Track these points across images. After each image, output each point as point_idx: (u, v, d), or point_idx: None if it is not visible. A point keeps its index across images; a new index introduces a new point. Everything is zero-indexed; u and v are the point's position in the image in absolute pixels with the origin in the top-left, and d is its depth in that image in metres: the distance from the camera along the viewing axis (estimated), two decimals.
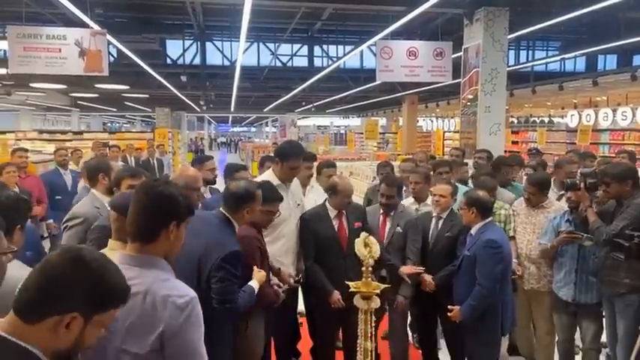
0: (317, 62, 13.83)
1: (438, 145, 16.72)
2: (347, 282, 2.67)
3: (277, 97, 20.35)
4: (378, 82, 11.80)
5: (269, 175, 3.53)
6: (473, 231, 3.34)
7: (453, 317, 3.29)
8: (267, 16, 10.69)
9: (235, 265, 2.45)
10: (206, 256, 2.43)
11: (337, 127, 38.60)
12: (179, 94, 17.27)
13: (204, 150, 33.36)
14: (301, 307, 3.89)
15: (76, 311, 1.17)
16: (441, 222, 3.63)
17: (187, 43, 12.92)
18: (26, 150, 6.42)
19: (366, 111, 27.73)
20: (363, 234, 2.76)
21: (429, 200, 4.04)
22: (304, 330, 4.07)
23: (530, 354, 3.97)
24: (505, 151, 8.12)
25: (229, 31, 12.35)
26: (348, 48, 13.01)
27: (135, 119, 38.31)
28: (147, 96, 18.68)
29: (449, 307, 3.32)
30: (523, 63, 13.74)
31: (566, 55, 13.40)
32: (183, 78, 14.00)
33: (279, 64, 14.01)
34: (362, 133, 15.44)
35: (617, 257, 2.99)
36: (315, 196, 4.00)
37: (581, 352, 3.65)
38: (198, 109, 26.51)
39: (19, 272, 1.48)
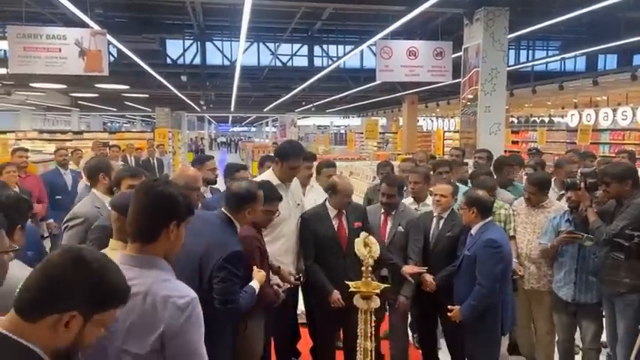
0: (317, 62, 13.84)
1: (438, 144, 16.72)
2: (347, 282, 2.67)
3: (277, 97, 20.36)
4: (378, 82, 11.81)
5: (269, 175, 3.53)
6: (473, 231, 3.34)
7: (453, 317, 3.29)
8: (267, 15, 10.69)
9: (237, 265, 2.46)
10: (207, 256, 2.43)
11: (337, 126, 38.61)
12: (179, 94, 17.28)
13: (204, 150, 33.36)
14: (301, 306, 3.89)
15: (75, 310, 1.18)
16: (441, 222, 3.63)
17: (187, 42, 12.94)
18: (26, 150, 6.42)
19: (366, 111, 27.74)
20: (363, 234, 2.77)
21: (428, 200, 4.05)
22: (304, 330, 4.07)
23: (530, 354, 3.97)
24: (505, 151, 8.12)
25: (229, 30, 12.35)
26: (348, 48, 13.01)
27: (135, 119, 38.32)
28: (147, 96, 18.69)
29: (449, 307, 3.32)
30: (523, 63, 13.74)
31: (567, 55, 13.40)
32: (184, 78, 14.01)
33: (279, 63, 14.02)
34: (362, 133, 15.45)
35: (617, 257, 2.99)
36: (314, 195, 4.00)
37: (581, 352, 3.65)
38: (199, 109, 26.52)
39: (19, 272, 1.49)
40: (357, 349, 2.66)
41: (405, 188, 4.12)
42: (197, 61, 13.26)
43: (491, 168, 4.87)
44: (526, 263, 3.76)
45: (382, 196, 3.68)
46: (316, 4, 9.34)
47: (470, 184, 4.36)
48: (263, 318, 2.97)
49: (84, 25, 7.62)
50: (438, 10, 8.00)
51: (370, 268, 2.66)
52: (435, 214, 3.68)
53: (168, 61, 13.45)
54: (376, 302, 2.61)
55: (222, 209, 2.70)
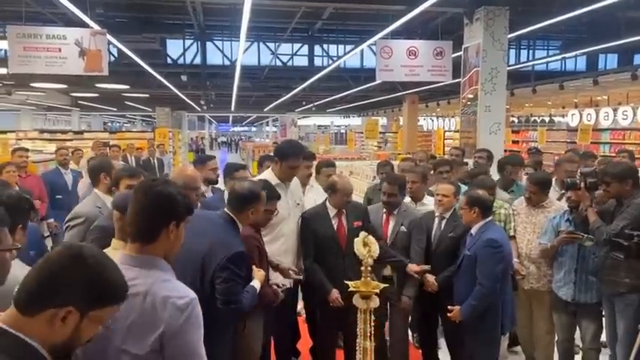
0: (317, 62, 13.84)
1: (438, 144, 16.71)
2: (346, 281, 2.67)
3: (278, 97, 20.36)
4: (378, 82, 11.81)
5: (268, 175, 3.53)
6: (473, 230, 3.34)
7: (453, 317, 3.29)
8: (267, 15, 10.69)
9: (240, 265, 2.46)
10: (210, 255, 2.43)
11: (337, 126, 38.60)
12: (179, 94, 17.28)
13: (204, 149, 33.37)
14: (301, 306, 3.89)
15: (71, 305, 1.20)
16: (444, 222, 3.63)
17: (188, 42, 12.94)
18: (26, 150, 6.43)
19: (366, 110, 27.73)
20: (362, 233, 2.76)
21: (426, 199, 4.04)
22: (304, 329, 4.07)
23: (530, 353, 3.97)
24: (505, 151, 8.12)
25: (229, 30, 12.35)
26: (348, 47, 13.01)
27: (135, 119, 38.33)
28: (147, 96, 18.69)
29: (449, 307, 3.31)
30: (524, 62, 13.74)
31: (567, 55, 13.40)
32: (184, 78, 14.01)
33: (279, 63, 14.03)
34: (362, 133, 15.44)
35: (616, 257, 2.99)
36: (314, 195, 4.00)
37: (581, 352, 3.65)
38: (199, 109, 26.52)
39: (20, 272, 1.49)
40: (357, 348, 2.65)
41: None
42: (197, 60, 13.26)
43: (496, 168, 4.87)
44: (526, 263, 3.75)
45: (383, 195, 3.68)
46: (316, 3, 9.34)
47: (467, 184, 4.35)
48: (262, 317, 2.98)
49: (84, 25, 7.62)
50: (438, 9, 8.00)
51: (370, 268, 2.66)
52: (436, 214, 3.67)
53: (169, 60, 13.46)
54: (375, 302, 2.61)
55: (225, 209, 2.71)
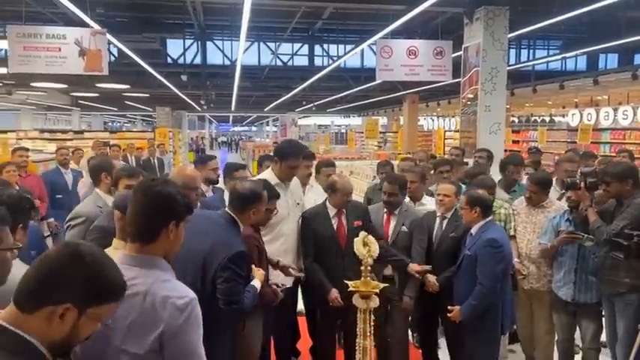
0: (317, 61, 13.83)
1: (439, 144, 16.70)
2: (346, 281, 2.67)
3: (278, 97, 20.36)
4: (378, 82, 11.80)
5: (268, 175, 3.53)
6: (473, 230, 3.33)
7: (453, 317, 3.28)
8: (267, 15, 10.69)
9: (241, 265, 2.47)
10: (211, 255, 2.43)
11: (338, 126, 38.61)
12: (180, 94, 17.28)
13: (204, 149, 33.37)
14: (300, 306, 3.89)
15: (69, 302, 1.21)
16: (445, 222, 3.62)
17: (188, 42, 12.94)
18: (27, 149, 6.43)
19: (366, 110, 27.73)
20: (362, 233, 2.76)
21: (424, 199, 4.04)
22: (304, 329, 4.07)
23: (530, 353, 3.97)
24: (505, 151, 8.12)
25: (230, 30, 12.34)
26: (348, 47, 13.00)
27: (136, 119, 38.34)
28: (147, 95, 18.69)
29: (449, 307, 3.31)
30: (524, 62, 13.73)
31: (567, 54, 13.39)
32: (184, 77, 14.01)
33: (279, 63, 14.02)
34: (362, 133, 15.45)
35: (616, 257, 2.99)
36: (314, 195, 4.00)
37: (581, 352, 3.65)
38: (199, 109, 26.52)
39: (20, 272, 1.49)
40: (357, 348, 2.65)
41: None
42: (197, 60, 13.26)
43: (497, 168, 4.87)
44: (526, 263, 3.75)
45: (384, 195, 3.67)
46: (317, 3, 9.34)
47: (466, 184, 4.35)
48: (261, 317, 2.98)
49: (84, 24, 7.62)
50: (438, 9, 8.00)
51: (370, 267, 2.66)
52: (438, 214, 3.67)
53: (169, 60, 13.46)
54: (375, 301, 2.60)
55: (227, 209, 2.71)
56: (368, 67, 14.03)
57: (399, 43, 8.86)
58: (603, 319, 3.51)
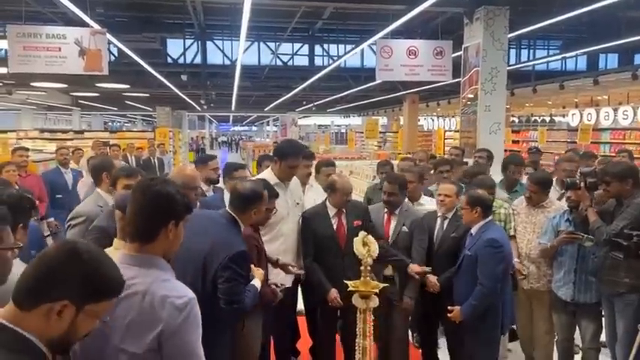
0: (318, 61, 13.83)
1: (439, 144, 16.71)
2: (345, 281, 2.67)
3: (278, 97, 20.36)
4: (378, 82, 11.80)
5: (267, 174, 3.53)
6: (473, 230, 3.33)
7: (453, 318, 3.27)
8: (267, 15, 10.69)
9: (242, 265, 2.47)
10: (212, 255, 2.43)
11: (338, 126, 38.63)
12: (180, 94, 17.28)
13: (205, 149, 33.37)
14: (300, 306, 3.89)
15: (67, 299, 1.22)
16: (446, 222, 3.61)
17: (188, 42, 12.93)
18: (27, 149, 6.43)
19: (366, 110, 27.73)
20: (362, 233, 2.76)
21: (422, 199, 4.04)
22: (303, 329, 4.07)
23: (529, 353, 3.97)
24: (505, 151, 8.12)
25: (230, 30, 12.34)
26: (348, 47, 13.00)
27: (136, 118, 38.35)
28: (147, 95, 18.70)
29: (449, 307, 3.31)
30: (524, 62, 13.73)
31: (567, 54, 13.39)
32: (184, 77, 14.01)
33: (279, 63, 14.02)
34: (362, 133, 15.45)
35: (616, 257, 2.99)
36: (314, 195, 4.00)
37: (580, 352, 3.65)
38: (199, 109, 26.52)
39: (20, 271, 1.49)
40: (356, 348, 2.65)
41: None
42: (198, 60, 13.25)
43: (498, 168, 4.86)
44: (526, 263, 3.75)
45: (384, 195, 3.67)
46: (317, 3, 9.34)
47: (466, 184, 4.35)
48: (261, 317, 2.98)
49: (84, 24, 7.62)
50: (438, 9, 8.00)
51: (369, 267, 2.66)
52: (439, 214, 3.66)
53: (169, 60, 13.45)
54: (375, 301, 2.60)
55: (227, 209, 2.71)
56: (368, 67, 14.02)
57: (399, 43, 8.86)
58: (603, 319, 3.51)
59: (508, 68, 7.61)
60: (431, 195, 4.36)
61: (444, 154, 14.24)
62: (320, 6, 9.80)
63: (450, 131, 18.99)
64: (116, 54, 12.19)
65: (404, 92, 17.20)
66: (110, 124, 39.56)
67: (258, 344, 3.01)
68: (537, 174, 4.12)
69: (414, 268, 3.44)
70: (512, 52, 13.11)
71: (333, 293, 3.34)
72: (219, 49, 13.28)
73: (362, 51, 13.55)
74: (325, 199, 3.57)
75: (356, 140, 17.54)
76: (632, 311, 3.18)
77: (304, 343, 4.09)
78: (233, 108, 25.95)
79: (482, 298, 3.18)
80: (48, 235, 5.92)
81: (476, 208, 3.26)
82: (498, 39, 7.25)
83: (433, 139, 18.67)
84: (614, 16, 10.03)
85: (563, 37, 13.65)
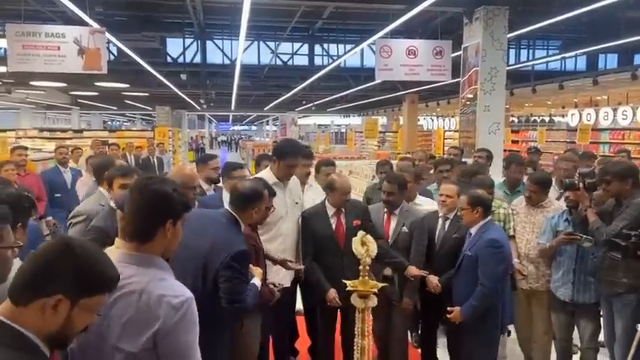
0: (317, 61, 13.82)
1: (438, 144, 16.70)
2: (344, 280, 2.66)
3: (278, 96, 20.35)
4: (378, 81, 11.80)
5: (266, 174, 3.52)
6: (473, 230, 3.32)
7: (453, 318, 3.27)
8: (267, 14, 10.68)
9: (243, 264, 2.47)
10: (212, 254, 2.43)
11: (338, 125, 38.61)
12: (179, 93, 17.27)
13: (204, 149, 33.35)
14: (299, 305, 3.89)
15: (61, 294, 1.23)
16: (447, 223, 3.60)
17: (187, 41, 12.92)
18: (26, 148, 6.43)
19: (366, 110, 27.72)
20: (361, 232, 2.75)
21: (418, 199, 4.04)
22: (302, 328, 4.07)
23: (528, 353, 3.97)
24: (505, 150, 8.12)
25: (229, 29, 12.33)
26: (348, 47, 12.99)
27: (135, 118, 38.31)
28: (147, 94, 18.68)
29: (448, 308, 3.30)
30: (524, 62, 13.73)
31: (567, 54, 13.39)
32: (184, 76, 14.00)
33: (279, 62, 14.01)
34: (362, 132, 15.45)
35: (614, 257, 2.98)
36: (313, 194, 3.99)
37: (579, 352, 3.65)
38: (199, 108, 26.51)
39: None
40: (355, 347, 2.65)
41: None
42: (197, 59, 13.24)
43: (498, 168, 4.87)
44: (525, 263, 3.75)
45: (383, 194, 3.67)
46: (316, 2, 9.34)
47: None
48: (259, 316, 2.97)
49: (83, 23, 7.61)
50: (438, 9, 8.00)
51: (368, 267, 2.65)
52: (440, 214, 3.66)
53: (169, 59, 13.44)
54: (374, 301, 2.60)
55: (228, 208, 2.71)
56: (368, 67, 14.02)
57: (398, 43, 8.86)
58: (601, 319, 3.51)
59: (507, 68, 7.60)
60: (429, 195, 4.36)
61: (444, 154, 14.23)
62: (320, 5, 9.79)
63: (450, 131, 18.99)
64: (115, 53, 12.18)
65: (403, 92, 17.20)
66: (109, 123, 39.53)
67: (257, 344, 3.01)
68: (537, 174, 4.12)
69: (412, 271, 3.43)
70: (512, 52, 13.12)
71: (332, 293, 3.33)
72: (219, 48, 13.28)
73: (362, 51, 13.54)
74: (324, 199, 3.57)
75: (355, 140, 17.54)
76: (630, 311, 3.18)
77: (303, 342, 4.09)
78: (233, 107, 25.93)
79: (483, 298, 3.17)
80: (47, 235, 5.92)
81: (477, 208, 3.25)
82: (498, 39, 7.25)
83: (433, 139, 18.67)
84: (613, 17, 10.03)
85: (562, 37, 13.64)
